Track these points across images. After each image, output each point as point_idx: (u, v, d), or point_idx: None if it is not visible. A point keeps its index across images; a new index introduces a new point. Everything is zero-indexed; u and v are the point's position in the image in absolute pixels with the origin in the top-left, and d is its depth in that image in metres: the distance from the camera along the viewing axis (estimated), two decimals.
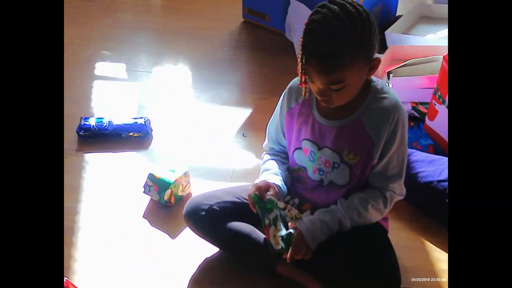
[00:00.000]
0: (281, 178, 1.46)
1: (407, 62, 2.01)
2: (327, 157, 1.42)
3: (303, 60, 1.25)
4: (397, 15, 2.65)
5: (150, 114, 2.07)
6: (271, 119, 1.56)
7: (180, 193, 1.75)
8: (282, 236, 1.37)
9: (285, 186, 1.46)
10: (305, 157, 1.46)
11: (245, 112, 2.14)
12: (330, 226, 1.39)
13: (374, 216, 1.40)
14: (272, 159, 1.53)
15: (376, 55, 1.29)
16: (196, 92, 2.26)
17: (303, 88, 1.34)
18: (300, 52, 1.26)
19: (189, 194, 1.79)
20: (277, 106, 1.52)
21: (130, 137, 1.98)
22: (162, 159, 1.90)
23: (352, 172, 1.41)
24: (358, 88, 1.31)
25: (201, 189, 1.70)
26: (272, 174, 1.47)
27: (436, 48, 2.09)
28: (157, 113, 2.11)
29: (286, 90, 1.48)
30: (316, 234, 1.37)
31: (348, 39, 1.22)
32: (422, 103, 1.96)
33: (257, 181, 1.45)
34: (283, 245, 1.37)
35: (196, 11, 2.78)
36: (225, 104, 2.18)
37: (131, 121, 1.99)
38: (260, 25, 2.64)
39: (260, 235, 1.51)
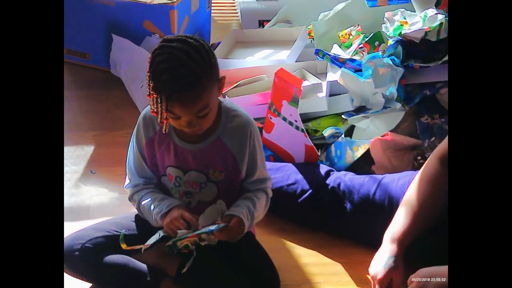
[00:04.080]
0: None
1: (239, 83, 2.18)
2: (194, 180, 1.50)
3: (162, 100, 1.32)
4: (211, 43, 2.83)
5: None
6: (128, 155, 1.56)
7: None
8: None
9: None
10: (170, 183, 1.53)
11: (87, 150, 2.15)
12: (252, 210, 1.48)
13: (264, 208, 1.54)
14: (148, 192, 1.52)
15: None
16: None
17: (165, 125, 1.39)
18: (155, 95, 1.33)
19: None
20: (132, 139, 1.54)
21: None
22: None
23: (218, 187, 1.51)
24: (216, 109, 1.43)
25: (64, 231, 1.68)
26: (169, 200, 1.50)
27: (258, 68, 2.28)
28: None
29: (140, 120, 1.52)
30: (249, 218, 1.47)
31: (200, 65, 1.34)
32: (257, 119, 2.13)
33: (158, 217, 1.47)
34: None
35: None
36: (65, 145, 2.15)
37: None
38: (82, 64, 2.64)
39: (137, 264, 1.55)
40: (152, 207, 1.49)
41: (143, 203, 1.51)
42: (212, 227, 1.41)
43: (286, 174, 1.87)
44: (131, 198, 1.56)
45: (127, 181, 1.56)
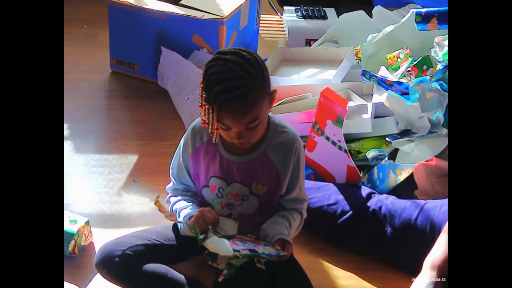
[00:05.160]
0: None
1: (283, 100, 2.18)
2: (237, 191, 1.51)
3: (214, 111, 1.35)
4: None
5: None
6: (173, 160, 1.60)
7: (83, 243, 1.74)
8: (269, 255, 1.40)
9: None
10: (211, 194, 1.54)
11: (131, 159, 2.18)
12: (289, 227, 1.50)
13: (296, 230, 1.55)
14: (183, 199, 1.56)
15: None
16: (78, 143, 2.24)
17: (215, 135, 1.41)
18: (206, 106, 1.36)
19: (91, 243, 1.78)
20: (179, 147, 1.57)
21: None
22: None
23: (260, 201, 1.52)
24: (266, 122, 1.44)
25: (103, 237, 1.71)
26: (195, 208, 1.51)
27: (304, 87, 2.29)
28: None
29: (189, 130, 1.54)
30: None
31: (252, 78, 1.35)
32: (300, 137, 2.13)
33: (181, 219, 1.49)
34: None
35: None
36: (110, 153, 2.19)
37: None
38: (130, 74, 2.69)
39: (175, 274, 1.55)
40: (183, 211, 1.51)
41: (175, 207, 1.54)
42: (273, 253, 1.40)
43: (326, 194, 1.86)
44: (168, 200, 1.59)
45: (171, 184, 1.60)
